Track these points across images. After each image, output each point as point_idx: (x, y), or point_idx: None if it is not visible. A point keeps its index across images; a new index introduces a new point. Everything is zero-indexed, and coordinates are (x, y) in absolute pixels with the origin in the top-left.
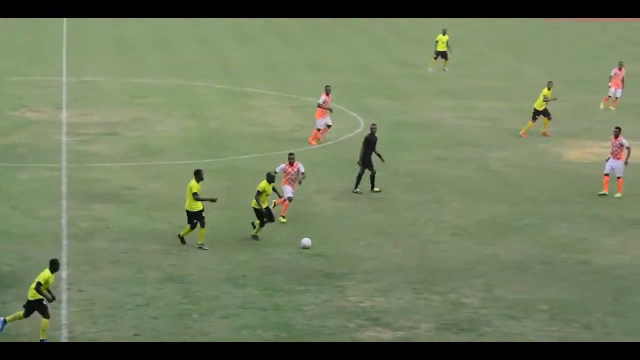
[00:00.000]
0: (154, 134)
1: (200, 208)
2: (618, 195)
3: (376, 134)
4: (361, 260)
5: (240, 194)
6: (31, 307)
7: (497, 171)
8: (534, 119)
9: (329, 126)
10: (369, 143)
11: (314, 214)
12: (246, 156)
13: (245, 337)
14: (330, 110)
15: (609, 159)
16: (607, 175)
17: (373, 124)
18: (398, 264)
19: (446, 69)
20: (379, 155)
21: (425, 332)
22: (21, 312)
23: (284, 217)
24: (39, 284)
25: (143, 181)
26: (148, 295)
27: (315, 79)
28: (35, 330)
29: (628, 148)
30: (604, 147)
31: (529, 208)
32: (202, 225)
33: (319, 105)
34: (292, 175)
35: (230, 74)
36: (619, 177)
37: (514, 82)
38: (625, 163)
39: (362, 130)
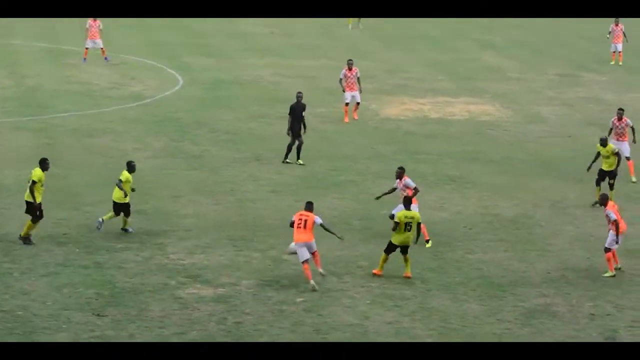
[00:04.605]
0: None
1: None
2: (633, 179)
3: (303, 102)
4: (181, 218)
5: (61, 152)
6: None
7: (315, 128)
8: None
9: (349, 103)
10: (293, 111)
11: None
12: (65, 114)
13: (66, 294)
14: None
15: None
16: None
17: (299, 92)
18: (218, 220)
19: (360, 26)
20: (303, 124)
21: (246, 289)
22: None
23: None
24: (33, 182)
25: None
26: None
27: (133, 38)
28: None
29: (633, 127)
30: (421, 104)
31: (347, 164)
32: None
33: (340, 80)
34: None
35: (47, 33)
36: (628, 159)
37: (330, 40)
38: (634, 141)
39: (180, 88)
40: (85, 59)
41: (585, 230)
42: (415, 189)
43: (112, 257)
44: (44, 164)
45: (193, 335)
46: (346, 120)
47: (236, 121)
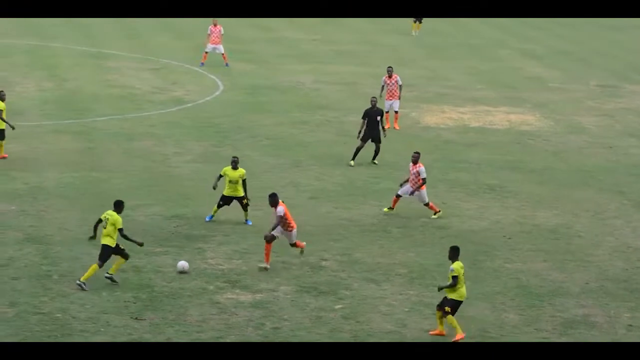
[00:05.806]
0: (12, 95)
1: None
2: None
3: (378, 106)
4: (220, 223)
5: (101, 156)
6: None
7: (355, 135)
8: None
9: (388, 111)
10: (368, 116)
11: (172, 176)
12: (106, 117)
13: (105, 297)
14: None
15: None
16: None
17: (373, 97)
18: (257, 226)
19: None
20: (383, 128)
21: (284, 295)
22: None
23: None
24: (122, 230)
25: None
26: (7, 255)
27: (173, 42)
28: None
29: None
30: (461, 113)
31: (388, 172)
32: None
33: (382, 87)
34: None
35: (87, 36)
36: None
37: (371, 47)
38: None
39: (221, 93)
40: (203, 63)
41: (624, 241)
42: (424, 179)
43: (150, 261)
44: (120, 207)
45: (231, 340)
46: (387, 126)
47: (277, 127)
